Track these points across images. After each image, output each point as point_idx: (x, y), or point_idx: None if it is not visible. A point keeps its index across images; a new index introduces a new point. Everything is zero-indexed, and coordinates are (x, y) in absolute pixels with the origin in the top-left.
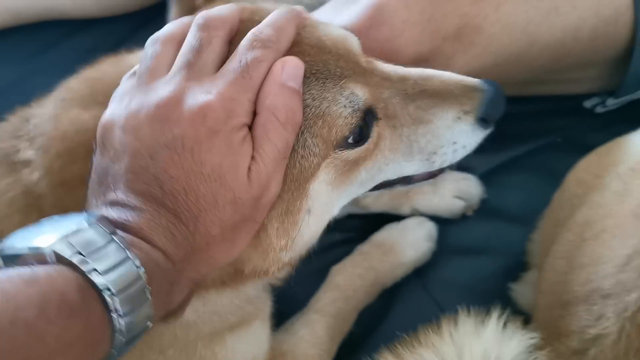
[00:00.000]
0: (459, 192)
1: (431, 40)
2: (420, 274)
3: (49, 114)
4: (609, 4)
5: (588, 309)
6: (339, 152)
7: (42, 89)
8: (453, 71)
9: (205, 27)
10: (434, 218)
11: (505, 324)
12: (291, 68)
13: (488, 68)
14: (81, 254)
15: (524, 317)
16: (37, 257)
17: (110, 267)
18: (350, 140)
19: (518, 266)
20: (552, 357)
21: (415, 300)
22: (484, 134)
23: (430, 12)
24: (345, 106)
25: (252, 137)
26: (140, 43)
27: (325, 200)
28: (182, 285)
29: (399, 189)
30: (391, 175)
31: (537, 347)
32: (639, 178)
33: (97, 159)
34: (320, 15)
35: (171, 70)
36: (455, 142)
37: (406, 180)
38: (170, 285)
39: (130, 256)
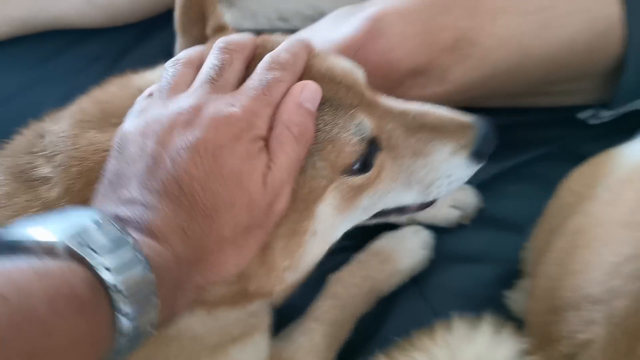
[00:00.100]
0: (455, 202)
1: (428, 53)
2: (417, 281)
3: (66, 133)
4: (602, 19)
5: (578, 314)
6: (345, 178)
7: (46, 96)
8: (448, 85)
9: (226, 49)
10: (430, 227)
11: (497, 330)
12: (310, 91)
13: (483, 80)
14: (93, 250)
15: (516, 323)
16: (46, 250)
17: (121, 267)
18: (355, 168)
19: (513, 274)
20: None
21: (412, 307)
22: (476, 168)
23: (427, 25)
24: (354, 134)
25: (268, 149)
26: (143, 53)
27: (329, 224)
28: (187, 292)
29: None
30: (391, 203)
31: (528, 353)
32: (628, 189)
33: (112, 164)
34: (320, 27)
35: (193, 85)
36: (450, 175)
37: (400, 211)
38: (176, 291)
39: (142, 258)
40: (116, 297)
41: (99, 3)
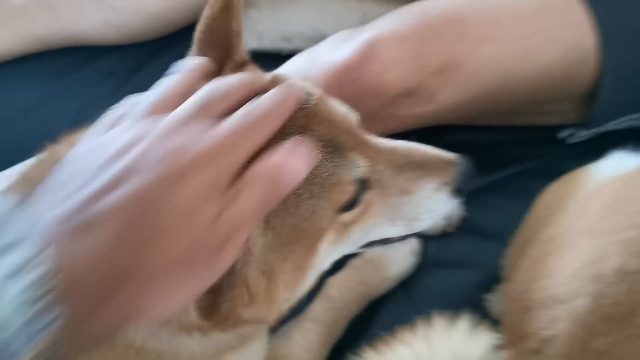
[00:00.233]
0: None
1: (417, 76)
2: (404, 284)
3: None
4: (578, 47)
5: (544, 313)
6: (340, 216)
7: (62, 110)
8: (436, 105)
9: (216, 86)
10: (418, 235)
11: (473, 326)
12: (305, 151)
13: (469, 101)
14: None
15: (493, 322)
16: None
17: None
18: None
19: (492, 279)
20: (514, 356)
21: (399, 309)
22: (456, 203)
23: (417, 50)
24: (354, 174)
25: (237, 186)
26: (155, 69)
27: (324, 258)
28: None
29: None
30: (377, 236)
31: (501, 347)
32: (593, 202)
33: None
34: (321, 48)
35: (177, 110)
36: (433, 210)
37: (384, 241)
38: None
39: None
40: None
41: (116, 22)
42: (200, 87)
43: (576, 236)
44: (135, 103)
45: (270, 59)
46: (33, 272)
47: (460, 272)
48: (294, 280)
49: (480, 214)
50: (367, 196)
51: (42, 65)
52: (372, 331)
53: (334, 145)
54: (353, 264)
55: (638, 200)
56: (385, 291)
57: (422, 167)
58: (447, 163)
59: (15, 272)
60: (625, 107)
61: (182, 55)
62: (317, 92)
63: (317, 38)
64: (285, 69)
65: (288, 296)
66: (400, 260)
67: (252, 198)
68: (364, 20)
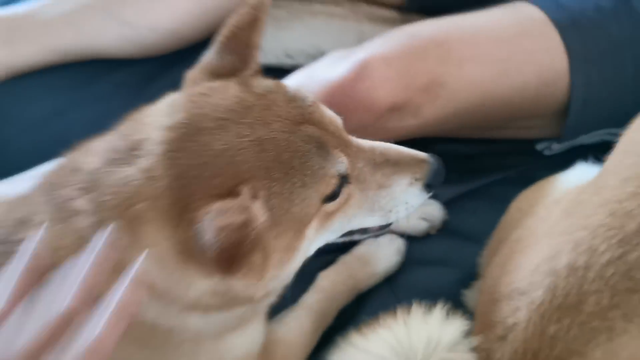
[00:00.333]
0: (424, 215)
1: (404, 93)
2: (389, 280)
3: (101, 169)
4: (550, 69)
5: (509, 304)
6: (324, 205)
7: (78, 120)
8: (421, 119)
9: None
10: (403, 235)
11: (448, 315)
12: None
13: (451, 116)
14: None
15: (469, 314)
16: None
17: None
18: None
19: (470, 276)
20: (483, 341)
21: (384, 301)
22: (427, 196)
23: (405, 70)
24: (337, 170)
25: None
26: (166, 81)
27: (310, 242)
28: None
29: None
30: (356, 225)
31: (472, 334)
32: (556, 207)
33: None
34: (319, 66)
35: None
36: (407, 202)
37: (363, 232)
38: None
39: None
40: None
41: (133, 38)
42: None
43: (538, 237)
44: None
45: (273, 73)
46: None
47: (441, 269)
48: (283, 259)
49: (461, 217)
50: (348, 189)
51: (61, 76)
52: (358, 320)
53: (321, 143)
54: (343, 260)
55: (588, 206)
56: (372, 286)
57: (397, 164)
58: (420, 161)
59: None
60: (593, 123)
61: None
62: (311, 99)
63: (317, 55)
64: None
65: (276, 274)
66: (386, 258)
67: None
68: (361, 39)
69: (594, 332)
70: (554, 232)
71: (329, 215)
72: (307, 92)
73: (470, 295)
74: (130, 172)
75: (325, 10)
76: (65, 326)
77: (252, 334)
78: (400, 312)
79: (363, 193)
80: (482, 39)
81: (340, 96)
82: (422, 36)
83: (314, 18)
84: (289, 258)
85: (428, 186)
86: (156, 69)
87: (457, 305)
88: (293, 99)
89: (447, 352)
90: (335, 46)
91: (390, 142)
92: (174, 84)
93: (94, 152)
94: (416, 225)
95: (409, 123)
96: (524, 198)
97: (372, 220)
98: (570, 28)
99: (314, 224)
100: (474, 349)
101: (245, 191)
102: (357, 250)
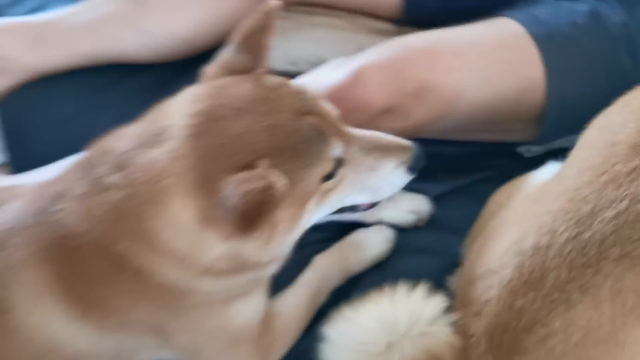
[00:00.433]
0: (413, 208)
1: (395, 97)
2: (379, 266)
3: (131, 150)
4: (527, 78)
5: (482, 282)
6: (322, 184)
7: (99, 120)
8: (411, 121)
9: None
10: (393, 226)
11: (430, 293)
12: None
13: (438, 118)
14: None
15: (450, 295)
16: None
17: None
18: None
19: (454, 264)
20: (460, 317)
21: (374, 284)
22: (410, 178)
23: (396, 76)
24: (334, 154)
25: None
26: (180, 84)
27: (310, 215)
28: None
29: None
30: (349, 202)
31: (451, 310)
32: (526, 200)
33: None
34: (320, 72)
35: None
36: (392, 183)
37: (353, 209)
38: None
39: None
40: None
41: (151, 45)
42: None
43: (509, 224)
44: None
45: None
46: None
47: (427, 258)
48: (287, 227)
49: (446, 212)
50: (342, 171)
51: (84, 79)
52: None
53: (321, 131)
54: (337, 245)
55: (551, 194)
56: (363, 270)
57: (385, 150)
58: (404, 147)
59: None
60: (569, 128)
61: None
62: (313, 93)
63: (319, 63)
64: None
65: (281, 241)
66: (377, 245)
67: None
68: (359, 49)
69: (554, 303)
70: (522, 219)
71: (326, 193)
72: (309, 88)
73: (453, 281)
74: (158, 152)
75: (327, 22)
76: None
77: (255, 303)
78: (387, 290)
79: (355, 174)
80: (467, 49)
81: (338, 98)
82: (412, 46)
83: (316, 29)
84: (293, 227)
85: (411, 169)
86: (171, 74)
87: (441, 288)
88: (298, 93)
89: (427, 325)
90: (335, 55)
91: None
92: (187, 87)
93: (123, 137)
94: (405, 217)
95: (400, 124)
96: (501, 192)
97: (362, 198)
98: (546, 41)
99: (314, 199)
100: (453, 326)
101: (262, 164)
102: (350, 238)
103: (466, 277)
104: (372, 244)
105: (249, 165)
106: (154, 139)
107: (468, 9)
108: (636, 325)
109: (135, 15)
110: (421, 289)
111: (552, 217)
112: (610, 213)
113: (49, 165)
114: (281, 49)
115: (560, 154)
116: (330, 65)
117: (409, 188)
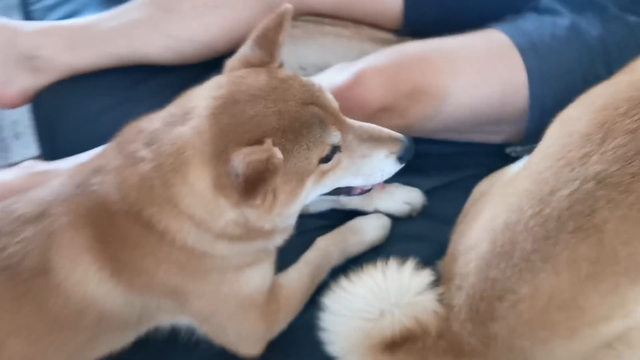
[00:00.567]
0: (407, 199)
1: (392, 97)
2: (375, 250)
3: (160, 128)
4: (512, 83)
5: (463, 258)
6: (319, 165)
7: (129, 114)
8: (406, 120)
9: None
10: (389, 216)
11: (418, 269)
12: None
13: (428, 119)
14: None
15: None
16: None
17: None
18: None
19: (443, 250)
20: (445, 290)
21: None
22: (400, 167)
23: (393, 79)
24: (332, 140)
25: None
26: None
27: (308, 192)
28: None
29: (342, 197)
30: (344, 184)
31: (437, 284)
32: (502, 187)
33: None
34: (326, 74)
35: None
36: (383, 170)
37: (348, 191)
38: None
39: None
40: None
41: (175, 48)
42: None
43: (487, 208)
44: None
45: None
46: None
47: (419, 244)
48: (287, 200)
49: (438, 204)
50: (339, 155)
51: (113, 78)
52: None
53: (322, 119)
54: (338, 229)
55: (520, 178)
56: (360, 252)
57: (378, 140)
58: (396, 139)
59: None
60: None
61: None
62: (318, 86)
63: (324, 67)
64: None
65: (281, 212)
66: (373, 230)
67: None
68: (362, 56)
69: (521, 272)
70: (496, 201)
71: (324, 174)
72: (315, 81)
73: (442, 265)
74: (183, 129)
75: (334, 31)
76: None
77: (263, 273)
78: (379, 265)
79: (350, 160)
80: (457, 57)
81: (341, 98)
82: (408, 53)
83: (324, 37)
84: (292, 200)
85: (400, 159)
86: (193, 75)
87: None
88: (305, 85)
89: (415, 296)
90: (341, 61)
91: None
92: None
93: (154, 118)
94: (401, 208)
95: (396, 122)
96: (484, 182)
97: (356, 181)
98: (529, 50)
99: (312, 178)
100: (440, 300)
101: (268, 141)
102: (350, 223)
103: (450, 256)
104: (369, 229)
105: (256, 142)
106: (181, 118)
107: (460, 22)
108: (592, 291)
109: (162, 21)
110: (410, 265)
111: (519, 197)
112: (565, 192)
113: (79, 155)
114: (292, 55)
115: None
116: (335, 69)
117: (405, 182)
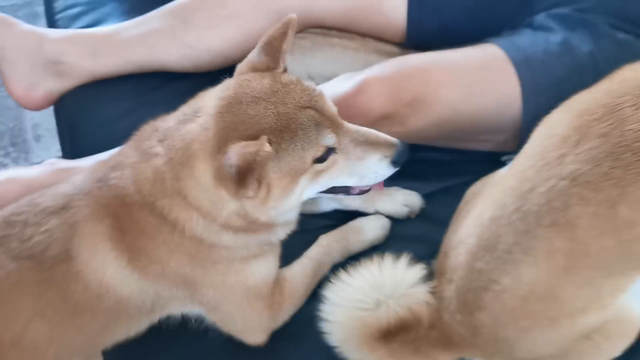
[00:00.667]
0: (406, 202)
1: (393, 106)
2: (375, 249)
3: (173, 126)
4: (506, 95)
5: (453, 252)
6: (314, 165)
7: (143, 119)
8: (406, 127)
9: None
10: (389, 217)
11: (412, 263)
12: None
13: (429, 126)
14: None
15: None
16: None
17: None
18: (319, 159)
19: (438, 250)
20: (438, 284)
21: None
22: (394, 171)
23: (394, 88)
24: (326, 142)
25: None
26: None
27: (302, 190)
28: None
29: (341, 196)
30: (340, 183)
31: (429, 279)
32: (491, 187)
33: None
34: (332, 83)
35: None
36: (376, 172)
37: (346, 191)
38: None
39: None
40: None
41: (191, 57)
42: None
43: (477, 206)
44: None
45: None
46: None
47: (417, 244)
48: (281, 194)
49: (435, 207)
50: (334, 157)
51: (132, 84)
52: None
53: (318, 122)
54: (339, 228)
55: (505, 177)
56: (360, 251)
57: (373, 144)
58: (390, 144)
59: None
60: None
61: None
62: (318, 91)
63: (331, 76)
64: None
65: (275, 205)
66: (373, 230)
67: None
68: (368, 67)
69: (504, 264)
70: (484, 200)
71: (318, 173)
72: (316, 87)
73: (436, 263)
74: (192, 126)
75: (341, 43)
76: None
77: (268, 265)
78: (376, 259)
79: (346, 161)
80: (455, 68)
81: (345, 105)
82: (409, 64)
83: (332, 49)
84: (286, 195)
85: (394, 162)
86: (207, 82)
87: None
88: (306, 90)
89: (408, 288)
90: (344, 70)
91: None
92: None
93: (169, 118)
94: (400, 210)
95: (397, 130)
96: (476, 184)
97: (351, 182)
98: (523, 64)
99: (306, 176)
100: (431, 293)
101: (263, 137)
102: (351, 223)
103: (443, 253)
104: (369, 229)
105: (253, 138)
106: (191, 116)
107: (459, 37)
108: (568, 283)
109: (179, 31)
110: (404, 260)
111: (504, 194)
112: (543, 189)
113: (98, 155)
114: (301, 65)
115: None
116: (341, 78)
117: (404, 186)
